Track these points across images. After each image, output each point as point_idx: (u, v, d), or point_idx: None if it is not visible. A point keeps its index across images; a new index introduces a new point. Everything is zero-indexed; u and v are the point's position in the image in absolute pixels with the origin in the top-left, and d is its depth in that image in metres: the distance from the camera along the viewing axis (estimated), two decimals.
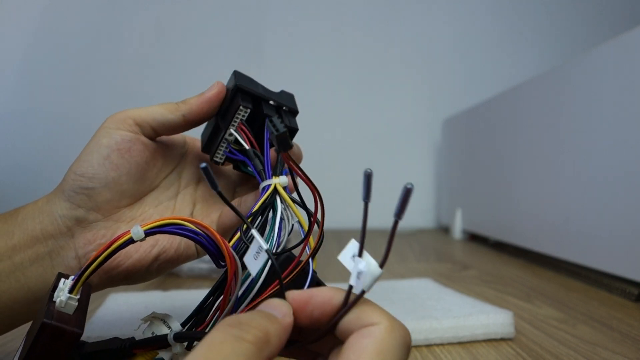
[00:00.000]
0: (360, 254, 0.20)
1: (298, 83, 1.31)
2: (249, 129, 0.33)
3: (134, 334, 0.25)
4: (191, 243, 0.34)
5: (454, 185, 1.19)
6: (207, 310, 0.25)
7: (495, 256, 0.88)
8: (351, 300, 0.20)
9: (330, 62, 1.35)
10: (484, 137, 1.00)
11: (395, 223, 0.19)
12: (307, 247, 0.26)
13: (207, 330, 0.24)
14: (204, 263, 0.67)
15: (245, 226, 0.27)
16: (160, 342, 0.24)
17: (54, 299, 0.24)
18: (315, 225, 0.26)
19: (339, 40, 1.35)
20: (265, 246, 0.21)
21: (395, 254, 0.87)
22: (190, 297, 0.52)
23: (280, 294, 0.22)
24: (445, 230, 1.26)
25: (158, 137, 0.34)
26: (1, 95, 1.27)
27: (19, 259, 0.29)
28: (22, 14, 1.26)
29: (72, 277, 0.24)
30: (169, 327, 0.24)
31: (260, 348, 0.18)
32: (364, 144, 1.36)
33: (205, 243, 0.24)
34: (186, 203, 0.36)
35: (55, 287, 0.25)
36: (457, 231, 1.11)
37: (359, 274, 0.20)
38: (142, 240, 0.24)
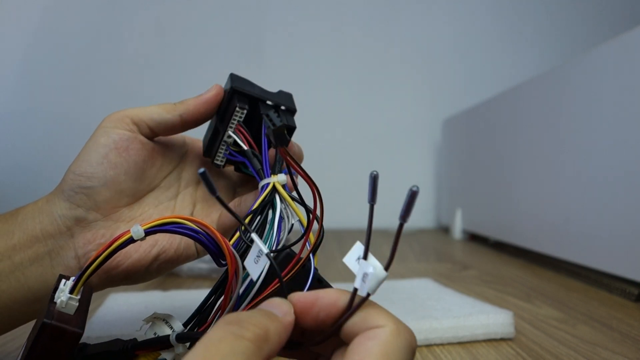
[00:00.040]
0: (365, 257, 0.20)
1: (298, 83, 1.32)
2: (246, 130, 0.33)
3: (136, 335, 0.25)
4: (191, 243, 0.34)
5: (454, 185, 1.20)
6: (208, 309, 0.25)
7: (495, 256, 0.88)
8: (356, 303, 0.20)
9: (330, 62, 1.35)
10: (484, 137, 1.00)
11: (401, 226, 0.18)
12: (307, 244, 0.26)
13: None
14: (204, 263, 0.67)
15: (248, 219, 0.27)
16: (162, 343, 0.24)
17: (54, 300, 0.24)
18: (316, 222, 0.26)
19: (339, 40, 1.35)
20: (265, 250, 0.21)
21: (395, 255, 0.87)
22: (190, 297, 0.52)
23: (281, 295, 0.22)
24: (445, 230, 1.26)
25: (156, 137, 0.34)
26: (1, 95, 1.27)
27: (19, 259, 0.29)
28: (22, 14, 1.26)
29: (73, 278, 0.24)
30: (171, 328, 0.24)
31: (259, 346, 0.17)
32: (364, 144, 1.36)
33: (206, 242, 0.24)
34: (186, 203, 0.36)
35: (56, 288, 0.25)
36: (457, 231, 1.11)
37: (364, 276, 0.20)
38: (142, 239, 0.24)
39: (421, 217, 1.35)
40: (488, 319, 0.41)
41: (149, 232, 0.24)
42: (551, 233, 0.73)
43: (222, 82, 0.35)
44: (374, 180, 0.19)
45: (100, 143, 0.31)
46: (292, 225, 0.28)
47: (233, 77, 0.33)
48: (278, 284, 0.23)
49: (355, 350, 0.19)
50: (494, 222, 0.95)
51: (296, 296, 0.21)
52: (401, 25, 1.37)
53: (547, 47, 1.38)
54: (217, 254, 0.25)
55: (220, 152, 0.35)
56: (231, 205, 0.34)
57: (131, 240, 0.24)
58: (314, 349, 0.23)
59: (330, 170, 1.32)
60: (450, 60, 1.38)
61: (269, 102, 0.34)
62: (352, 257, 0.21)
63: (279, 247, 0.26)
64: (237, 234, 0.27)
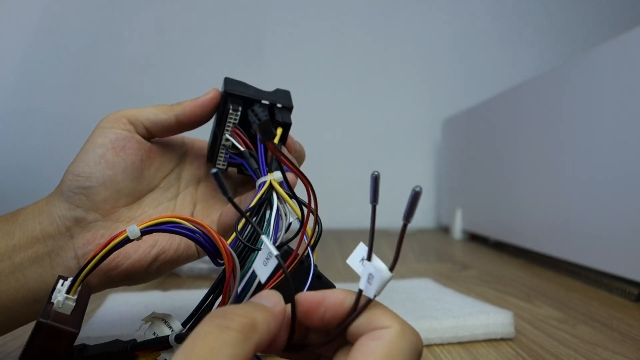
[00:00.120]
0: (369, 258, 0.20)
1: (298, 83, 1.31)
2: (242, 132, 0.33)
3: (135, 335, 0.25)
4: (191, 243, 0.34)
5: (454, 185, 1.19)
6: (207, 308, 0.25)
7: (495, 256, 0.88)
8: (361, 305, 0.20)
9: (330, 62, 1.35)
10: (484, 137, 1.00)
11: (404, 227, 0.18)
12: (305, 238, 0.26)
13: None
14: (204, 263, 0.67)
15: (240, 225, 0.27)
16: (161, 344, 0.24)
17: (52, 300, 0.24)
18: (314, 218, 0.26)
19: (339, 40, 1.35)
20: (275, 252, 0.21)
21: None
22: (190, 297, 0.52)
23: (291, 299, 0.21)
24: (445, 230, 1.26)
25: (153, 138, 0.35)
26: (1, 95, 1.27)
27: (19, 259, 0.29)
28: (22, 14, 1.26)
29: (71, 278, 0.25)
30: (170, 327, 0.25)
31: (246, 335, 0.17)
32: (364, 144, 1.36)
33: (202, 241, 0.24)
34: (186, 204, 0.36)
35: (54, 288, 0.25)
36: (457, 231, 1.11)
37: (370, 278, 0.20)
38: (138, 239, 0.24)
39: (421, 217, 1.35)
40: (488, 319, 0.41)
41: (145, 231, 0.24)
42: (551, 233, 0.73)
43: (222, 82, 0.35)
44: (375, 180, 0.19)
45: (97, 143, 0.31)
46: (290, 223, 0.28)
47: (226, 81, 0.34)
48: (280, 277, 0.23)
49: (358, 350, 0.19)
50: (494, 222, 0.95)
51: (303, 296, 0.21)
52: (401, 25, 1.37)
53: (547, 47, 1.38)
54: (214, 253, 0.25)
55: (221, 156, 0.35)
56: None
57: (127, 240, 0.24)
58: (315, 350, 0.23)
59: (330, 170, 1.32)
60: (450, 60, 1.38)
61: (264, 102, 0.34)
62: (356, 258, 0.21)
63: (277, 244, 0.26)
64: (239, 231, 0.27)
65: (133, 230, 0.24)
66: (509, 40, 1.39)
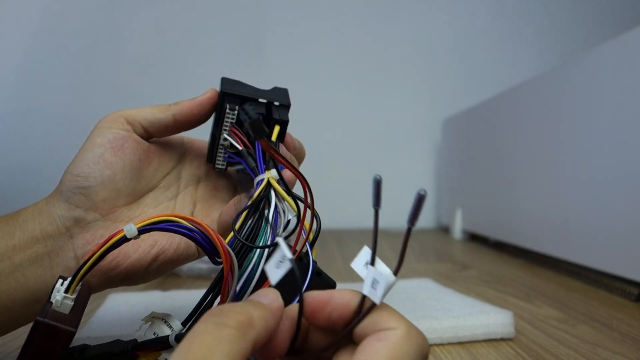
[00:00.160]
0: (372, 262, 0.20)
1: (298, 83, 1.31)
2: (240, 131, 0.33)
3: (136, 335, 0.25)
4: (191, 243, 0.34)
5: (454, 185, 1.19)
6: (206, 308, 0.25)
7: (495, 256, 0.88)
8: (365, 309, 0.20)
9: (330, 62, 1.35)
10: (484, 137, 1.00)
11: (409, 230, 0.18)
12: (303, 233, 0.26)
13: None
14: (204, 263, 0.67)
15: (238, 224, 0.27)
16: (162, 344, 0.24)
17: (51, 299, 0.24)
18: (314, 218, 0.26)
19: (339, 40, 1.35)
20: (289, 255, 0.21)
21: (395, 255, 0.87)
22: (190, 297, 0.52)
23: (299, 299, 0.21)
24: (445, 230, 1.26)
25: (151, 137, 0.35)
26: (1, 95, 1.27)
27: (19, 259, 0.29)
28: (22, 14, 1.26)
29: (70, 277, 0.25)
30: (170, 327, 0.25)
31: (243, 332, 0.17)
32: (364, 144, 1.36)
33: (200, 239, 0.24)
34: (186, 203, 0.36)
35: (54, 288, 0.25)
36: (457, 231, 1.11)
37: (374, 282, 0.20)
38: (136, 237, 0.24)
39: (421, 217, 1.31)
40: (488, 319, 0.41)
41: (142, 230, 0.24)
42: (551, 233, 0.73)
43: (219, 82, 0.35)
44: (377, 184, 0.19)
45: (95, 143, 0.32)
46: (289, 221, 0.28)
47: (223, 81, 0.34)
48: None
49: (363, 351, 0.19)
50: (494, 222, 0.95)
51: (310, 295, 0.21)
52: (401, 25, 1.37)
53: (547, 47, 1.38)
54: (212, 251, 0.25)
55: (220, 156, 0.35)
56: (230, 203, 0.34)
57: (125, 239, 0.24)
58: (316, 350, 0.23)
59: (330, 170, 1.32)
60: (450, 60, 1.38)
61: (261, 100, 0.34)
62: (360, 262, 0.21)
63: (274, 239, 0.26)
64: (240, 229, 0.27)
65: (130, 229, 0.24)
66: (509, 40, 1.39)
